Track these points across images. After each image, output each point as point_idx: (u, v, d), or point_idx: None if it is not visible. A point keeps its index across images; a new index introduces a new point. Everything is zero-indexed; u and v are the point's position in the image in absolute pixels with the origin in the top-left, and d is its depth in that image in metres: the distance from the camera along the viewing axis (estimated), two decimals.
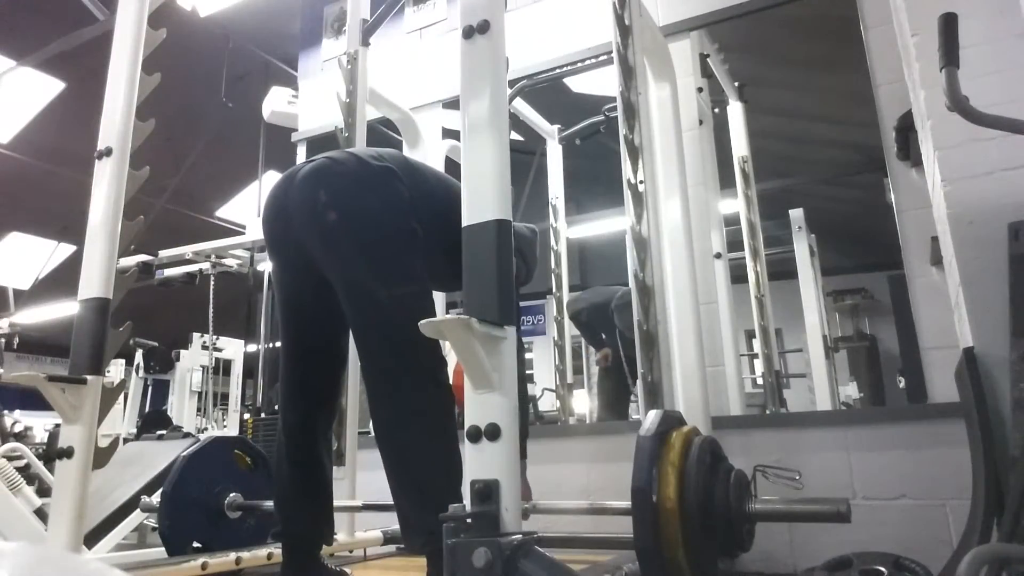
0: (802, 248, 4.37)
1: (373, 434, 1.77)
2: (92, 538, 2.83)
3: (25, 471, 4.03)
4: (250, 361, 7.45)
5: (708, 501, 1.44)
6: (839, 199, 5.45)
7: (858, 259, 5.85)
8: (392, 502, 1.70)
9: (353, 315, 1.77)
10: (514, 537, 1.24)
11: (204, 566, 2.05)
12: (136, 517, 3.12)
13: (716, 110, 3.39)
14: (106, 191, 2.09)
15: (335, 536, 2.14)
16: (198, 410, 6.77)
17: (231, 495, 2.43)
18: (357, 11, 2.98)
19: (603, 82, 3.57)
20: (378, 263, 1.74)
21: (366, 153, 1.89)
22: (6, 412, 6.67)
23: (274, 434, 3.92)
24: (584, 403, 4.77)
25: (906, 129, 2.37)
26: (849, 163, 4.74)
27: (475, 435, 1.34)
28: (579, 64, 3.34)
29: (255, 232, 5.24)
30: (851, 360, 5.59)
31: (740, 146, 3.54)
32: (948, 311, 2.14)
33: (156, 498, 2.43)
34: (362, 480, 2.60)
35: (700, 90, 3.00)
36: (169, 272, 5.86)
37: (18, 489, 3.42)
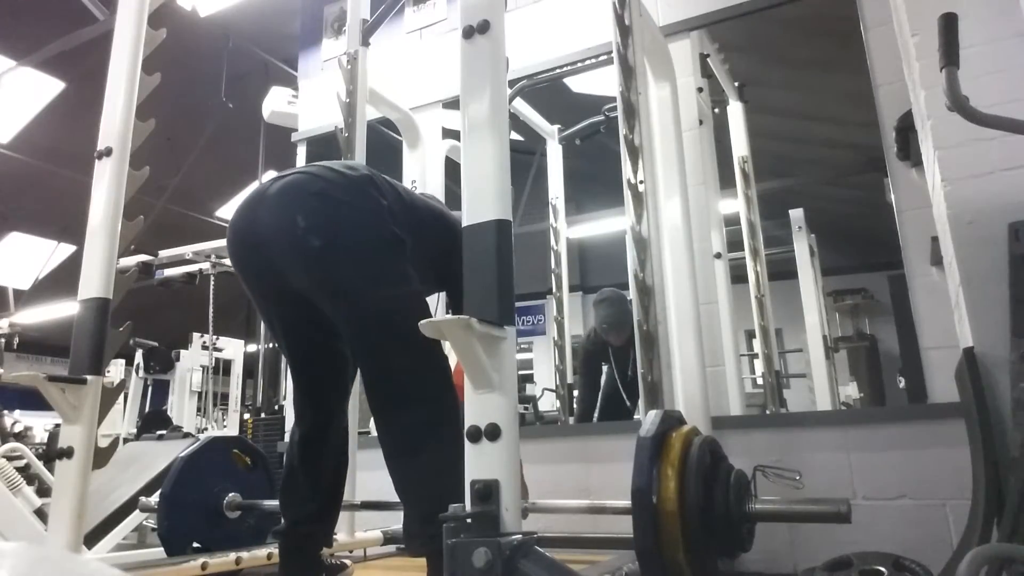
0: (802, 248, 4.38)
1: (376, 433, 1.77)
2: (92, 538, 2.84)
3: (25, 471, 4.03)
4: (250, 361, 7.47)
5: (708, 501, 1.44)
6: (839, 199, 5.45)
7: (858, 259, 5.86)
8: (391, 501, 1.70)
9: (352, 332, 1.74)
10: (514, 537, 1.24)
11: (204, 566, 2.05)
12: (136, 517, 3.12)
13: (716, 110, 3.38)
14: (106, 191, 2.08)
15: (335, 536, 2.14)
16: (198, 410, 6.77)
17: (230, 495, 2.43)
18: (357, 11, 2.97)
19: (603, 82, 3.57)
20: (370, 275, 1.70)
21: (339, 164, 1.85)
22: (6, 412, 6.67)
23: (274, 434, 3.94)
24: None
25: (906, 129, 2.37)
26: (849, 163, 4.74)
27: (475, 435, 1.34)
28: (579, 64, 3.34)
29: None
30: (851, 360, 5.61)
31: (740, 146, 3.54)
32: (948, 311, 2.14)
33: (155, 498, 2.43)
34: (362, 480, 2.60)
35: (700, 90, 3.00)
36: (169, 272, 5.87)
37: (18, 489, 3.42)
